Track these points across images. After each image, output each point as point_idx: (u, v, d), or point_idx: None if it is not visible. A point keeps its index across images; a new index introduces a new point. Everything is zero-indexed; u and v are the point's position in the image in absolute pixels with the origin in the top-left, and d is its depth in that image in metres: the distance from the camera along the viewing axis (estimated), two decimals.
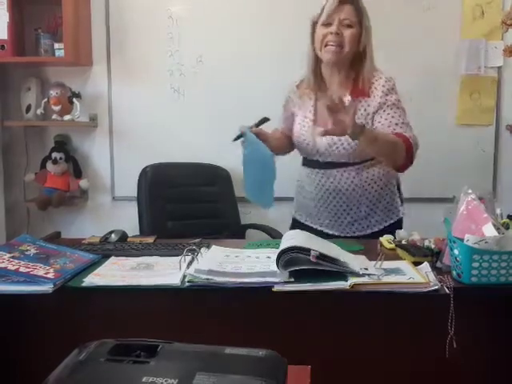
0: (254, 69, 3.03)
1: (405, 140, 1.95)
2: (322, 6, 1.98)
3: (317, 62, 2.06)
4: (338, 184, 2.09)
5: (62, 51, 2.96)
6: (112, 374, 0.86)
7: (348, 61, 2.02)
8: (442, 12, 3.01)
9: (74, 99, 3.07)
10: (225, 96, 3.08)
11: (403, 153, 1.95)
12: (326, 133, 1.83)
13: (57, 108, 3.05)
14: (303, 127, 2.11)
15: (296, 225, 2.27)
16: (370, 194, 2.12)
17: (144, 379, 0.82)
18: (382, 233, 2.05)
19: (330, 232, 2.16)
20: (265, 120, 2.02)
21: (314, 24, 2.02)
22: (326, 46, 1.97)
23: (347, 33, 1.95)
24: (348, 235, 2.15)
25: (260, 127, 2.01)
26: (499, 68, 3.05)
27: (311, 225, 2.22)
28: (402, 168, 2.04)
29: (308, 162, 2.17)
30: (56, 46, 2.98)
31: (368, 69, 2.01)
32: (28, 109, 3.11)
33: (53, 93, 3.05)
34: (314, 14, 2.01)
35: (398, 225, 2.18)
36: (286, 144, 2.23)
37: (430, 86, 3.04)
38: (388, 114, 2.01)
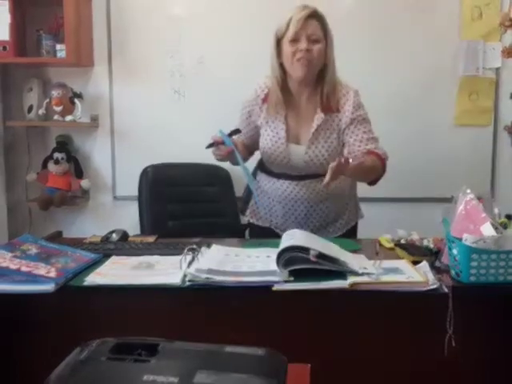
0: (254, 70, 2.99)
1: (379, 158, 2.02)
2: (286, 21, 1.97)
3: (284, 77, 2.06)
4: (311, 194, 2.11)
5: (64, 52, 2.97)
6: (113, 372, 0.87)
7: (314, 76, 2.03)
8: (440, 13, 3.02)
9: (76, 100, 3.08)
10: (225, 97, 3.08)
11: (380, 171, 2.04)
12: (327, 185, 1.82)
13: (58, 108, 3.06)
14: (275, 143, 2.08)
15: (255, 229, 2.30)
16: (339, 200, 2.18)
17: (145, 378, 0.83)
18: (346, 234, 2.19)
19: None
20: (237, 131, 2.05)
21: (278, 39, 2.02)
22: (296, 61, 1.97)
23: (316, 48, 1.96)
24: None
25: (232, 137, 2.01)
26: (497, 69, 3.05)
27: (275, 230, 2.21)
28: (375, 182, 2.10)
29: (277, 175, 2.16)
30: (57, 46, 2.99)
31: (331, 81, 2.03)
32: (30, 109, 3.12)
33: (54, 93, 3.06)
34: (278, 29, 2.01)
35: (354, 230, 2.27)
36: (246, 154, 2.17)
37: (429, 86, 3.05)
38: (359, 129, 2.04)
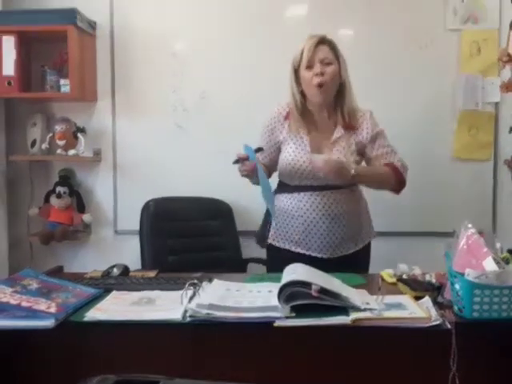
0: (255, 105, 3.07)
1: (393, 168, 2.23)
2: (300, 51, 2.19)
3: (303, 102, 2.25)
4: (332, 205, 2.21)
5: (68, 87, 3.00)
6: None
7: (332, 96, 2.23)
8: (439, 48, 3.06)
9: (79, 134, 3.10)
10: (227, 131, 3.12)
11: (392, 180, 2.24)
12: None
13: (61, 143, 3.08)
14: (298, 153, 2.22)
15: (274, 251, 2.36)
16: (358, 214, 2.31)
17: None
18: (360, 252, 2.31)
19: (319, 255, 2.24)
20: (260, 150, 2.18)
21: (295, 68, 2.23)
22: (314, 87, 2.16)
23: (329, 70, 2.16)
24: (335, 256, 2.25)
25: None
26: (496, 104, 3.08)
27: (295, 250, 2.28)
28: (396, 191, 2.30)
29: (298, 188, 2.25)
30: (62, 81, 3.03)
31: (350, 99, 2.24)
32: (33, 143, 3.15)
33: (58, 128, 3.09)
34: (294, 59, 2.23)
35: (369, 247, 2.39)
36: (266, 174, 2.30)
37: (429, 120, 3.07)
38: (379, 144, 2.27)
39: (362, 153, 2.27)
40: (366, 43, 3.05)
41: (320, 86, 2.15)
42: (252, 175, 2.15)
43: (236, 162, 2.11)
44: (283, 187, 2.31)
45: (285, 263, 2.09)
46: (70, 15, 2.93)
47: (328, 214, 2.21)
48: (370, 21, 3.06)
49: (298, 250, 2.27)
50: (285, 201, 2.29)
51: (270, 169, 2.36)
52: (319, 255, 2.23)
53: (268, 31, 3.10)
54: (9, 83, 2.97)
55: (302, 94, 2.24)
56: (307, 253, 2.25)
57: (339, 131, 2.23)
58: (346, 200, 2.23)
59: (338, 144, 2.22)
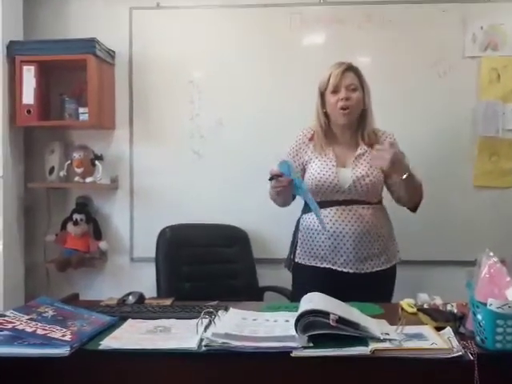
0: (271, 132, 3.08)
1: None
2: (327, 76, 2.30)
3: (328, 123, 2.36)
4: (358, 220, 2.27)
5: (86, 115, 3.04)
6: None
7: (355, 119, 2.34)
8: (458, 75, 3.05)
9: (97, 161, 3.13)
10: (244, 158, 3.12)
11: (421, 193, 2.33)
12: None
13: (79, 170, 3.11)
14: (324, 168, 2.30)
15: (300, 269, 2.39)
16: (384, 232, 2.34)
17: None
18: (387, 271, 2.34)
19: (345, 270, 2.27)
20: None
21: (322, 92, 2.34)
22: (338, 110, 2.28)
23: (354, 96, 2.28)
24: (361, 271, 2.28)
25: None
26: None
27: (321, 265, 2.32)
28: (416, 207, 2.37)
29: (325, 203, 2.29)
30: (80, 110, 3.07)
31: (371, 122, 2.36)
32: (51, 171, 3.17)
33: (76, 155, 3.11)
34: (320, 83, 2.34)
35: (395, 269, 2.42)
36: (289, 196, 2.35)
37: (449, 148, 3.05)
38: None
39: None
40: (384, 70, 3.05)
41: (344, 109, 2.26)
42: (285, 192, 2.18)
43: (271, 179, 2.14)
44: (309, 206, 2.33)
45: (311, 280, 2.26)
46: (90, 45, 2.98)
47: (354, 229, 2.26)
48: (388, 48, 3.07)
49: (324, 265, 2.31)
50: (310, 218, 2.34)
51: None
52: (345, 270, 2.27)
53: (285, 58, 3.12)
54: (28, 112, 3.02)
55: (326, 116, 2.35)
56: (333, 267, 2.29)
57: (363, 147, 2.32)
58: (371, 216, 2.29)
59: (361, 159, 2.31)
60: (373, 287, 2.19)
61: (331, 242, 2.28)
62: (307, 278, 2.33)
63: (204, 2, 3.18)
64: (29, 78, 3.01)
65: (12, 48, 3.03)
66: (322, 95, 2.34)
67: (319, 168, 2.31)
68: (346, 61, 2.34)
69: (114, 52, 3.21)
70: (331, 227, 2.27)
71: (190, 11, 3.20)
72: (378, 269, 2.31)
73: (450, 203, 3.06)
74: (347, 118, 2.29)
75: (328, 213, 2.29)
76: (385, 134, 2.38)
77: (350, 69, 2.31)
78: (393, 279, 2.40)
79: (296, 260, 2.40)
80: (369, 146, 2.32)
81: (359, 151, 2.32)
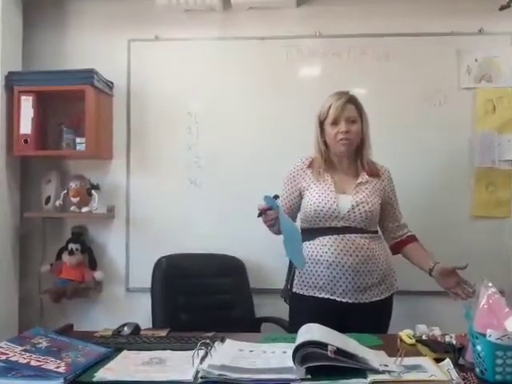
0: (268, 162, 3.09)
1: (415, 238, 2.48)
2: (327, 107, 2.32)
3: (327, 151, 2.37)
4: (356, 249, 2.25)
5: (84, 145, 3.04)
6: None
7: (354, 149, 2.36)
8: (453, 107, 3.08)
9: (93, 191, 3.12)
10: (241, 188, 3.13)
11: None
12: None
13: (75, 200, 3.10)
14: (322, 194, 2.30)
15: (298, 299, 2.36)
16: (382, 261, 2.33)
17: None
18: (385, 301, 2.33)
19: (344, 300, 2.25)
20: (276, 197, 2.17)
21: (321, 121, 2.35)
22: (338, 141, 2.30)
23: (353, 128, 2.30)
24: (360, 301, 2.26)
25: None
26: None
27: (319, 295, 2.29)
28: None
29: (323, 231, 2.30)
30: (78, 140, 3.07)
31: (369, 151, 2.39)
32: (47, 200, 3.17)
33: (72, 185, 3.11)
34: (320, 113, 2.35)
35: (392, 299, 2.41)
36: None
37: (445, 179, 3.06)
38: (393, 201, 2.45)
39: (382, 198, 2.37)
40: (380, 102, 3.07)
41: (343, 142, 2.29)
42: (277, 224, 2.17)
43: (260, 215, 2.13)
44: (306, 234, 2.33)
45: (309, 310, 2.23)
46: (88, 76, 3.01)
47: (353, 259, 2.24)
48: (384, 80, 3.11)
49: (323, 294, 2.28)
50: (309, 247, 2.32)
51: (291, 217, 2.37)
52: (344, 300, 2.25)
53: (281, 90, 3.16)
54: (25, 141, 3.02)
55: (325, 145, 2.36)
56: (332, 297, 2.26)
57: (364, 177, 2.34)
58: (369, 246, 2.28)
59: (363, 186, 2.33)
60: (371, 317, 2.18)
61: (330, 272, 2.26)
62: (305, 308, 2.31)
63: (202, 34, 3.23)
64: (27, 107, 3.03)
65: (10, 78, 3.05)
66: (321, 124, 2.36)
67: (317, 194, 2.31)
68: (346, 90, 2.37)
69: (112, 83, 3.23)
70: (330, 256, 2.26)
71: (187, 43, 3.24)
72: (377, 298, 2.29)
73: (448, 233, 3.06)
74: (346, 149, 2.32)
75: (326, 241, 2.27)
76: (382, 169, 2.43)
77: (350, 101, 2.32)
78: (390, 308, 2.39)
79: (294, 290, 2.38)
80: (370, 175, 2.36)
81: (360, 179, 2.34)
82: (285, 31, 3.17)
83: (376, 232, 2.38)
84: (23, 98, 3.03)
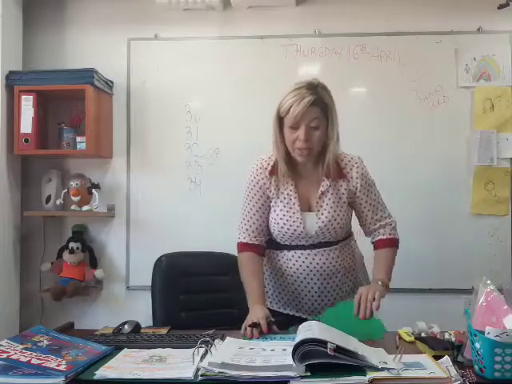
0: None
1: (390, 242, 2.13)
2: (287, 104, 1.97)
3: (287, 151, 2.05)
4: (324, 264, 2.08)
5: (84, 144, 3.05)
6: None
7: (316, 154, 2.05)
8: (452, 106, 3.10)
9: (93, 190, 3.13)
10: (240, 186, 3.11)
11: (395, 252, 2.14)
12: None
13: (76, 199, 3.11)
14: (287, 212, 2.07)
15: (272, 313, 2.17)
16: (352, 270, 2.15)
17: None
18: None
19: (310, 318, 2.03)
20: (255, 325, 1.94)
21: (280, 118, 2.03)
22: (295, 149, 1.99)
23: (315, 135, 1.97)
24: None
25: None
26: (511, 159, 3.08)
27: (284, 311, 2.17)
28: None
29: (288, 247, 2.11)
30: (78, 139, 3.08)
31: (333, 153, 2.03)
32: (48, 199, 3.18)
33: (73, 184, 3.12)
34: (279, 107, 2.02)
35: None
36: (261, 266, 2.17)
37: (444, 177, 3.08)
38: (368, 196, 2.11)
39: (351, 201, 2.11)
40: (378, 100, 3.09)
41: (303, 150, 1.98)
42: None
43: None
44: (273, 243, 2.16)
45: (281, 327, 1.95)
46: (88, 75, 3.02)
47: (320, 274, 2.08)
48: (383, 78, 3.12)
49: (288, 311, 2.16)
50: (273, 257, 2.16)
51: (263, 231, 2.16)
52: (310, 317, 2.04)
53: (281, 89, 3.14)
54: (26, 141, 3.03)
55: (285, 145, 2.04)
56: (297, 314, 2.13)
57: (325, 184, 2.06)
58: (339, 257, 2.10)
59: (326, 198, 2.06)
60: None
61: (295, 288, 2.12)
62: (277, 324, 2.01)
63: (201, 33, 3.24)
64: (27, 107, 3.04)
65: (11, 78, 3.06)
66: (281, 120, 2.03)
67: (282, 212, 2.07)
68: (312, 81, 1.99)
69: (112, 82, 3.24)
70: (295, 272, 2.09)
71: (187, 42, 3.25)
72: None
73: (448, 232, 3.07)
74: (305, 159, 2.02)
75: (292, 256, 2.10)
76: (350, 163, 2.09)
77: (316, 101, 1.94)
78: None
79: (267, 304, 2.19)
80: (332, 179, 2.06)
81: (321, 188, 2.06)
82: (284, 30, 3.19)
83: (348, 236, 2.17)
84: (24, 97, 3.04)
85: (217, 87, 3.22)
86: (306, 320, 1.95)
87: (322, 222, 2.05)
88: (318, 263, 2.08)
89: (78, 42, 3.29)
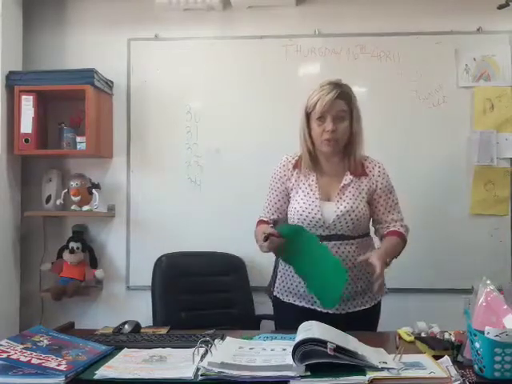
0: (268, 161, 3.08)
1: (400, 235, 2.17)
2: (315, 99, 2.10)
3: (313, 147, 2.18)
4: (341, 257, 2.09)
5: (84, 144, 3.05)
6: None
7: (342, 147, 2.17)
8: (452, 106, 3.10)
9: (94, 190, 3.13)
10: (241, 186, 3.14)
11: (401, 247, 2.18)
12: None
13: (76, 199, 3.11)
14: (307, 201, 2.15)
15: (280, 304, 2.27)
16: (365, 272, 2.12)
17: None
18: (371, 310, 2.18)
19: (324, 310, 2.10)
20: (276, 223, 2.18)
21: (307, 114, 2.15)
22: (323, 140, 2.11)
23: (341, 127, 2.10)
24: (343, 312, 2.13)
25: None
26: None
27: (299, 304, 2.19)
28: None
29: None
30: (78, 139, 3.08)
31: (359, 150, 2.18)
32: (48, 199, 3.18)
33: (73, 184, 3.12)
34: (307, 104, 2.14)
35: (379, 306, 2.25)
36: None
37: (444, 177, 3.08)
38: (387, 196, 2.21)
39: (370, 199, 2.19)
40: (379, 101, 3.09)
41: (330, 141, 2.10)
42: (276, 252, 2.05)
43: (266, 239, 1.95)
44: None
45: (290, 317, 2.05)
46: (88, 75, 3.02)
47: None
48: (383, 79, 3.12)
49: (303, 303, 2.18)
50: None
51: (281, 220, 2.27)
52: (325, 310, 2.09)
53: (280, 88, 3.16)
54: (26, 141, 3.03)
55: (311, 139, 2.17)
56: (312, 307, 2.15)
57: (348, 178, 2.16)
58: (357, 252, 2.13)
59: (346, 190, 2.15)
60: (355, 326, 1.89)
61: None
62: (286, 315, 2.20)
63: (201, 33, 3.24)
64: (27, 107, 3.04)
65: (11, 78, 3.06)
66: (308, 116, 2.15)
67: (302, 201, 2.15)
68: (338, 80, 2.15)
69: (112, 82, 3.24)
70: None
71: (187, 42, 3.25)
72: (362, 308, 2.16)
73: (448, 231, 3.07)
74: (332, 149, 2.13)
75: None
76: (373, 164, 2.21)
77: (341, 95, 2.10)
78: (376, 316, 2.25)
79: (275, 294, 2.29)
80: (355, 175, 2.17)
81: (344, 182, 2.15)
82: (284, 30, 3.19)
83: (365, 235, 2.21)
84: (24, 97, 3.04)
85: (217, 87, 3.22)
86: (320, 313, 2.08)
87: (341, 211, 2.11)
88: (334, 255, 2.08)
89: (78, 42, 3.29)
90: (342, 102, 2.10)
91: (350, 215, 2.11)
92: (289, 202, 2.24)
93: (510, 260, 3.07)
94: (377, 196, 2.19)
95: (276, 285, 2.30)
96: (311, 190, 2.16)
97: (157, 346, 1.77)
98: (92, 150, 3.05)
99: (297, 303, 2.20)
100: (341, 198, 2.14)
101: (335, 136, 2.09)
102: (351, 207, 2.12)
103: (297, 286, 2.19)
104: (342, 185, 2.15)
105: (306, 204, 2.15)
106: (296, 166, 2.23)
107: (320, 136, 2.11)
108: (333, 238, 2.13)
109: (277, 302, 2.30)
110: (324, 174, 2.20)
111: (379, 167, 2.21)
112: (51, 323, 2.47)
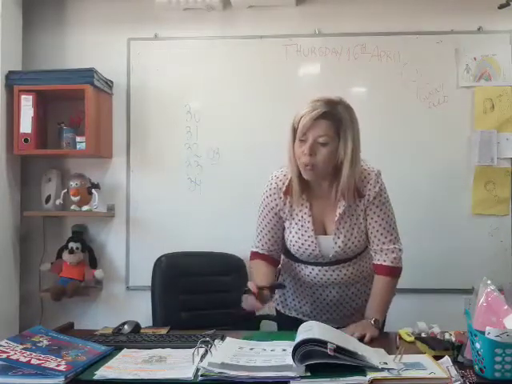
0: (268, 161, 3.07)
1: (394, 271, 2.03)
2: (298, 114, 1.89)
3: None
4: (342, 279, 2.07)
5: (84, 144, 3.05)
6: None
7: (325, 174, 1.94)
8: (452, 106, 3.10)
9: (93, 190, 3.13)
10: (240, 186, 3.13)
11: (395, 283, 2.06)
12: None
13: (76, 199, 3.11)
14: (302, 236, 2.01)
15: (283, 317, 2.22)
16: (371, 278, 2.09)
17: None
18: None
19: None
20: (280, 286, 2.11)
21: (295, 130, 1.91)
22: (301, 163, 1.90)
23: (322, 152, 1.86)
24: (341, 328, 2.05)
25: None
26: None
27: (302, 318, 2.13)
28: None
29: (307, 262, 2.08)
30: (78, 139, 3.08)
31: (349, 176, 1.91)
32: (48, 199, 3.17)
33: (72, 184, 3.12)
34: (294, 118, 1.91)
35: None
36: (273, 270, 2.12)
37: (444, 177, 3.08)
38: (378, 214, 2.00)
39: (365, 216, 2.02)
40: (378, 100, 3.09)
41: (307, 165, 1.88)
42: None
43: (245, 292, 1.90)
44: (292, 255, 2.12)
45: (292, 329, 1.89)
46: (88, 75, 3.02)
47: (339, 287, 2.08)
48: (383, 78, 3.12)
49: (306, 319, 2.09)
50: (292, 268, 2.14)
51: (277, 249, 2.14)
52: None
53: (281, 88, 3.16)
54: (26, 140, 3.03)
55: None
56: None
57: (341, 204, 1.97)
58: (358, 269, 2.08)
59: (342, 220, 1.99)
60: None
61: (313, 300, 2.12)
62: (289, 327, 2.00)
63: (201, 33, 3.24)
64: (27, 107, 3.04)
65: (11, 78, 3.06)
66: (295, 132, 1.91)
67: (297, 235, 2.02)
68: (336, 97, 1.90)
69: (111, 82, 3.24)
70: (314, 285, 2.09)
71: (187, 42, 3.25)
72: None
73: (448, 231, 3.07)
74: (311, 176, 1.92)
75: (310, 271, 2.07)
76: (366, 179, 1.97)
77: (327, 114, 1.84)
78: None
79: (277, 308, 2.25)
80: (350, 199, 1.97)
81: (339, 210, 1.97)
82: (284, 30, 3.19)
83: (361, 252, 2.09)
84: (23, 97, 3.03)
85: (217, 87, 3.22)
86: None
87: (339, 246, 2.00)
88: (336, 278, 2.06)
89: (78, 42, 3.28)
90: (326, 123, 1.85)
91: (349, 247, 2.01)
92: (283, 229, 2.08)
93: (511, 260, 3.06)
94: (367, 216, 2.01)
95: (276, 296, 2.22)
96: (305, 224, 2.00)
97: (156, 346, 1.76)
98: (92, 149, 3.05)
99: (300, 317, 2.16)
100: (338, 230, 1.99)
101: (312, 161, 1.86)
102: (349, 240, 2.00)
103: (299, 302, 2.17)
104: (337, 215, 1.98)
105: (302, 240, 2.02)
106: (287, 192, 2.02)
107: (299, 159, 1.90)
108: (334, 263, 2.05)
109: (279, 315, 2.28)
110: (317, 197, 2.01)
111: (371, 184, 1.98)
112: (51, 323, 2.47)
